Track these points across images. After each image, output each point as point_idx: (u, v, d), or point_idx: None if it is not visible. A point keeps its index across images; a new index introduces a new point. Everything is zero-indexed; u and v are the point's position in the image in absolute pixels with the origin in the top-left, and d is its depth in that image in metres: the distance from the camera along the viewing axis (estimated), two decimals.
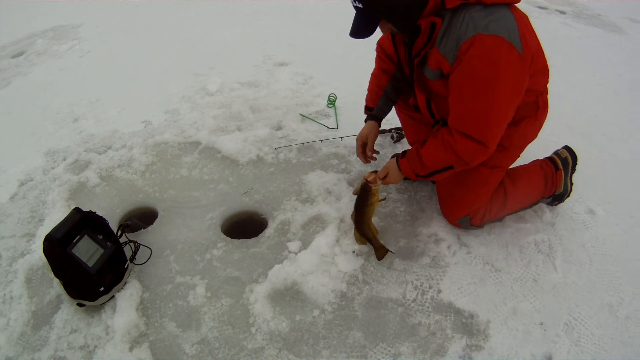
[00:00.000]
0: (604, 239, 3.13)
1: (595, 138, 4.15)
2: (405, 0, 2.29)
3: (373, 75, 3.23)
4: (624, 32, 6.97)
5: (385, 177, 2.85)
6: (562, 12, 7.60)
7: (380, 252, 2.84)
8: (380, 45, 3.13)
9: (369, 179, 2.77)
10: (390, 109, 3.18)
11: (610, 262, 2.98)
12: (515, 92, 2.38)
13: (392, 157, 3.50)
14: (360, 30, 2.46)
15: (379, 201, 2.86)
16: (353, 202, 2.93)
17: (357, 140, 3.14)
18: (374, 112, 3.15)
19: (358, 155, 3.17)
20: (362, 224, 2.85)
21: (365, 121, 3.18)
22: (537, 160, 3.25)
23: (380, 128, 3.24)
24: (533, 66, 2.44)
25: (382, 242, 2.88)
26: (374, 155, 3.19)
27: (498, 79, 2.26)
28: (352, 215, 2.92)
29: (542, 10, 7.58)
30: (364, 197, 2.80)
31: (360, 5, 2.35)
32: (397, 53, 2.85)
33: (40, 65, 5.95)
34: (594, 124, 4.39)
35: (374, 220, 2.95)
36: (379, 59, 3.17)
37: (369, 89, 3.25)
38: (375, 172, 2.86)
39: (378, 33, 2.54)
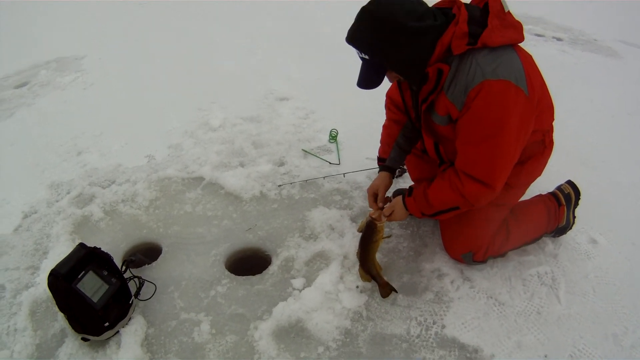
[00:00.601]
0: (607, 268, 3.14)
1: (595, 165, 4.18)
2: (412, 51, 2.31)
3: (384, 127, 3.27)
4: (620, 56, 7.05)
5: (390, 214, 2.89)
6: (559, 39, 7.66)
7: (385, 289, 2.85)
8: (389, 96, 3.17)
9: (374, 216, 2.80)
10: (403, 160, 3.21)
11: (614, 291, 2.99)
12: (522, 134, 2.41)
13: (395, 193, 3.54)
14: (368, 81, 2.49)
15: (384, 238, 2.89)
16: (356, 238, 2.95)
17: (368, 190, 3.13)
18: (387, 163, 3.17)
19: (370, 206, 3.13)
20: (367, 261, 2.86)
21: (379, 172, 3.19)
22: (540, 195, 3.29)
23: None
24: (539, 106, 2.47)
25: (386, 278, 2.90)
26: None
27: (506, 123, 2.29)
28: (357, 252, 2.94)
29: (539, 38, 7.66)
30: (369, 234, 2.82)
31: (367, 57, 2.38)
32: (403, 99, 2.88)
33: (44, 96, 6.00)
34: (594, 150, 4.42)
35: (377, 256, 2.96)
36: (388, 110, 3.20)
37: (381, 141, 3.29)
38: (381, 209, 2.90)
39: (385, 82, 2.57)
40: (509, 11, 2.38)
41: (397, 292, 2.89)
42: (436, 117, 2.56)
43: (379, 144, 3.33)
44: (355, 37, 2.36)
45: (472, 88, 2.27)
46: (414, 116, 2.85)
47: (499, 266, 3.10)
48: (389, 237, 3.18)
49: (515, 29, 2.39)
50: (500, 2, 2.35)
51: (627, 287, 3.01)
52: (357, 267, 2.98)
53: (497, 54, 2.28)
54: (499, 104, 2.26)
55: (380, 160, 3.29)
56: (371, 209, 2.96)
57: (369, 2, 2.32)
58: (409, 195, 2.81)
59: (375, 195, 3.09)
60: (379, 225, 2.79)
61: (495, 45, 2.27)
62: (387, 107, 3.22)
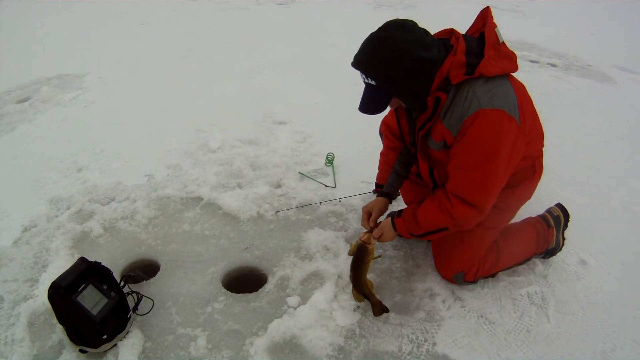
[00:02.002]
0: (596, 288, 3.18)
1: (586, 189, 4.23)
2: (419, 79, 2.39)
3: (381, 154, 3.36)
4: (614, 82, 7.11)
5: (380, 236, 2.95)
6: (553, 65, 7.73)
7: (377, 308, 2.90)
8: (386, 124, 3.25)
9: (364, 239, 2.85)
10: (400, 185, 3.28)
11: (603, 310, 3.03)
12: (513, 161, 2.51)
13: (388, 216, 3.60)
14: (371, 106, 2.53)
15: (375, 258, 2.94)
16: (351, 258, 3.01)
17: (363, 209, 3.19)
18: (385, 189, 3.24)
19: (363, 225, 3.19)
20: (359, 282, 2.91)
21: (376, 198, 3.25)
22: (530, 218, 3.36)
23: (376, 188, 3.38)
24: (530, 134, 2.57)
25: (378, 297, 2.95)
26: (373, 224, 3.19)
27: (499, 150, 2.38)
28: (349, 275, 2.98)
29: (533, 64, 7.72)
30: (360, 257, 2.86)
31: (373, 83, 2.43)
32: (399, 125, 2.95)
33: (45, 112, 6.07)
34: (586, 175, 4.48)
35: (370, 276, 3.02)
36: (385, 138, 3.28)
37: (379, 168, 3.37)
38: (370, 232, 2.97)
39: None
40: (503, 42, 2.48)
41: (389, 311, 2.93)
42: (432, 142, 2.64)
43: (376, 169, 3.42)
44: (362, 62, 2.42)
45: (467, 116, 2.35)
46: (409, 142, 2.93)
47: (489, 286, 3.15)
48: (379, 257, 3.24)
49: (510, 59, 2.49)
50: (495, 33, 2.44)
51: (616, 306, 3.06)
52: (351, 286, 3.02)
53: (492, 84, 2.37)
54: (493, 132, 2.35)
55: (377, 186, 3.36)
56: (362, 232, 3.01)
57: (379, 29, 2.39)
58: (398, 216, 2.88)
59: (369, 215, 3.15)
60: (369, 247, 2.83)
61: (491, 75, 2.36)
62: (384, 135, 3.29)
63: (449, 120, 2.45)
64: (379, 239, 2.95)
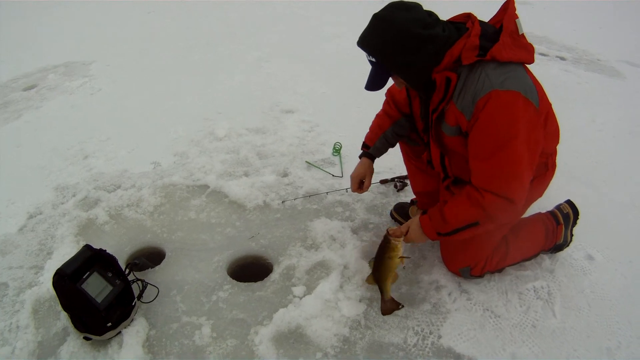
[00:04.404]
0: (603, 284, 3.15)
1: (595, 184, 4.19)
2: (415, 56, 2.36)
3: (377, 116, 3.29)
4: (623, 77, 7.01)
5: (406, 232, 2.81)
6: (562, 59, 7.63)
7: (387, 305, 2.84)
8: (390, 92, 3.19)
9: (390, 232, 2.76)
10: (386, 151, 3.27)
11: (609, 306, 3.00)
12: (533, 146, 2.40)
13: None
14: (373, 83, 2.57)
15: (401, 258, 2.78)
16: (357, 249, 2.99)
17: (353, 177, 3.22)
18: (371, 151, 3.24)
19: (354, 191, 3.25)
20: (377, 271, 2.83)
21: (360, 157, 3.27)
22: (539, 213, 3.31)
23: (384, 178, 3.35)
24: (546, 128, 2.52)
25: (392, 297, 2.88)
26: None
27: (516, 133, 2.28)
28: (369, 261, 2.94)
29: (542, 57, 7.63)
30: (384, 249, 2.78)
31: (374, 59, 2.46)
32: (411, 107, 2.93)
33: (52, 100, 6.09)
34: (595, 170, 4.43)
35: None
36: (386, 104, 3.22)
37: (371, 128, 3.30)
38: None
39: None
40: (523, 34, 2.43)
41: (399, 308, 2.88)
42: (446, 127, 2.57)
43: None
44: (365, 40, 2.44)
45: (480, 97, 2.29)
46: (422, 128, 2.88)
47: (495, 280, 3.13)
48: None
49: (527, 50, 2.42)
50: (515, 23, 2.39)
51: (622, 303, 3.02)
52: (357, 276, 3.02)
53: (506, 68, 2.30)
54: (507, 113, 2.27)
55: (365, 146, 3.31)
56: (390, 226, 2.96)
57: (382, 9, 2.39)
58: (423, 214, 2.76)
59: (361, 182, 3.20)
60: (392, 242, 2.73)
61: (504, 60, 2.30)
62: (386, 100, 3.24)
63: (462, 102, 2.38)
64: (406, 237, 2.80)
